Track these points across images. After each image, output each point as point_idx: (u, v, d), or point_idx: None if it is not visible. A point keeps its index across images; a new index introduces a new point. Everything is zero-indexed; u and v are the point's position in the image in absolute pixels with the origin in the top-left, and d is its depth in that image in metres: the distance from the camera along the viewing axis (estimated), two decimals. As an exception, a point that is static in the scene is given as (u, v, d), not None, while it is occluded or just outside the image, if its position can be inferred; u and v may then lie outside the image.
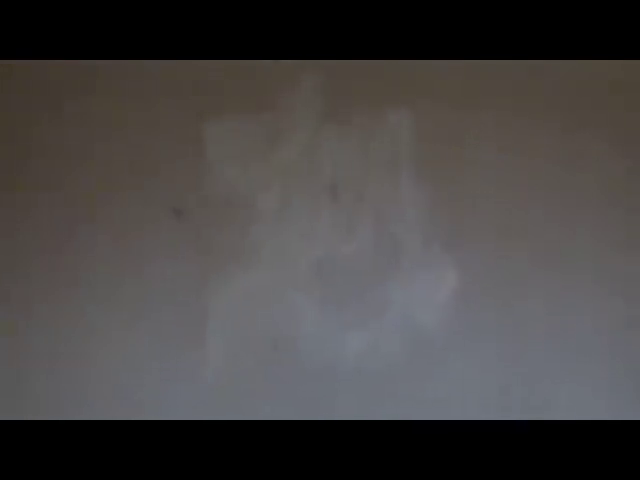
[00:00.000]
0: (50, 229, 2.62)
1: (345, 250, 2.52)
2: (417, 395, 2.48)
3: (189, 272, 2.57)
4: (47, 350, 2.63)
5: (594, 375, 2.42)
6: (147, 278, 2.59)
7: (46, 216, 2.62)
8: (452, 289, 2.48)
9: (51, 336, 2.62)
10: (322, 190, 2.53)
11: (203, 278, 2.56)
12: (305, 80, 2.51)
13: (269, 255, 2.54)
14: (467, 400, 2.47)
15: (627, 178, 2.40)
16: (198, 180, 2.56)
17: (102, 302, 2.60)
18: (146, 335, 2.59)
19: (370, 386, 2.50)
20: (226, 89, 2.54)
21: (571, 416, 2.39)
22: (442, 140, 2.47)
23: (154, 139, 2.57)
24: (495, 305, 2.46)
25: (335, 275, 2.52)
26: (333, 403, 2.51)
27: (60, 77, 2.60)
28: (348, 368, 2.51)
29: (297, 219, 2.54)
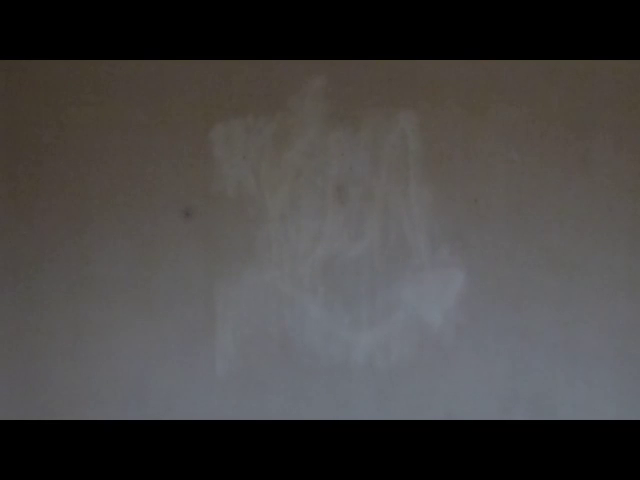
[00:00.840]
0: (60, 229, 2.64)
1: (353, 250, 2.53)
2: (425, 394, 2.49)
3: (198, 271, 2.59)
4: (59, 349, 2.65)
5: (603, 376, 2.42)
6: (157, 277, 2.60)
7: (56, 217, 2.64)
8: (460, 289, 2.48)
9: (62, 335, 2.65)
10: (330, 190, 2.54)
11: (212, 277, 2.58)
12: (313, 82, 2.52)
13: (278, 254, 2.55)
14: (475, 399, 2.48)
15: (634, 180, 2.40)
16: (207, 180, 2.57)
17: (113, 301, 2.63)
18: (157, 333, 2.61)
19: (378, 384, 2.51)
20: (235, 90, 2.55)
21: (579, 416, 2.40)
22: (450, 141, 2.47)
23: (164, 140, 2.59)
24: (503, 305, 2.46)
25: (343, 274, 2.53)
26: (342, 400, 2.53)
27: (70, 78, 2.62)
28: (357, 366, 2.52)
29: (305, 219, 2.55)
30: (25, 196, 2.65)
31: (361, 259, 2.53)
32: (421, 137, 2.49)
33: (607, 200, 2.41)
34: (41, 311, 2.65)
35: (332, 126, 2.52)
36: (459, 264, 2.48)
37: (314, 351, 2.54)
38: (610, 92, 2.40)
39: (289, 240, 2.55)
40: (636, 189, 2.40)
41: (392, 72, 2.48)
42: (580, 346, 2.43)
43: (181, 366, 2.60)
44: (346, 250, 2.53)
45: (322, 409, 2.53)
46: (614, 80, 2.39)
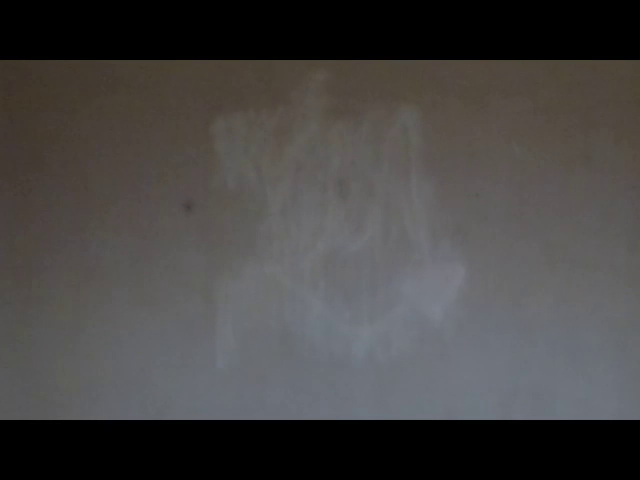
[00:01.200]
0: (60, 223, 2.63)
1: (354, 244, 2.52)
2: (425, 389, 2.50)
3: (199, 265, 2.58)
4: (59, 342, 2.66)
5: (603, 373, 2.42)
6: (158, 271, 2.60)
7: (56, 211, 2.63)
8: (461, 284, 2.48)
9: (62, 329, 2.65)
10: (331, 185, 2.53)
11: (213, 271, 2.58)
12: (315, 76, 2.50)
13: (279, 249, 2.55)
14: (474, 394, 2.48)
15: (636, 176, 2.39)
16: (208, 174, 2.56)
17: (113, 295, 2.63)
18: (158, 326, 2.61)
19: (379, 378, 2.52)
20: (237, 86, 2.53)
21: (579, 411, 2.41)
22: (451, 136, 2.46)
23: (165, 134, 2.58)
24: (503, 300, 2.46)
25: (344, 269, 2.53)
26: (342, 394, 2.54)
27: (74, 76, 2.61)
28: (357, 361, 2.53)
29: (306, 213, 2.54)
30: (26, 191, 2.65)
31: (362, 254, 2.52)
32: (423, 131, 2.48)
33: (608, 195, 2.41)
34: (41, 305, 2.65)
35: (333, 120, 2.51)
36: (460, 259, 2.47)
37: (314, 345, 2.54)
38: (612, 87, 2.39)
39: (290, 234, 2.55)
40: (638, 185, 2.40)
41: (394, 66, 2.46)
42: (581, 341, 2.43)
43: (181, 360, 2.60)
44: (347, 244, 2.53)
45: (322, 403, 2.53)
46: (615, 76, 2.38)
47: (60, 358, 2.65)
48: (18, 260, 2.65)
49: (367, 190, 2.51)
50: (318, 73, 2.49)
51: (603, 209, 2.41)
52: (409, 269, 2.50)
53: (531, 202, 2.44)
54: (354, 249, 2.53)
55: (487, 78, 2.43)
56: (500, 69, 2.41)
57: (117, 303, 2.62)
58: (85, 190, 2.62)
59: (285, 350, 2.55)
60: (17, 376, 2.66)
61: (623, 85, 2.38)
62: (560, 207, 2.42)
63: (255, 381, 2.57)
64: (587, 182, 2.41)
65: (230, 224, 2.56)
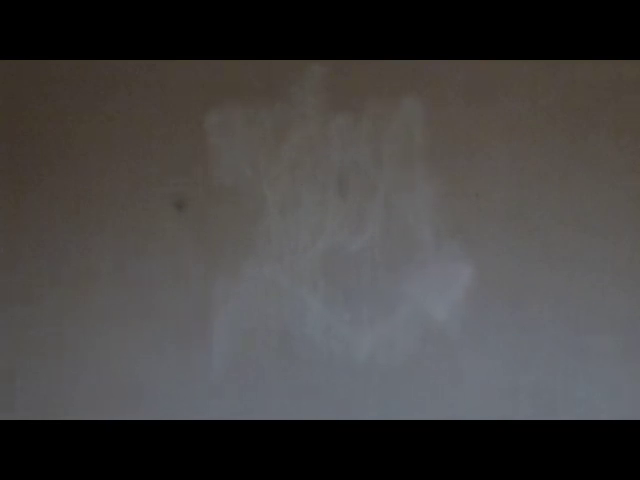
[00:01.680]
0: (55, 223, 2.62)
1: (355, 244, 2.52)
2: (429, 390, 2.49)
3: (197, 265, 2.57)
4: (49, 346, 2.65)
5: (606, 374, 2.42)
6: (156, 270, 2.59)
7: (52, 210, 2.63)
8: (464, 284, 2.47)
9: (53, 332, 2.64)
10: (331, 183, 2.52)
11: (211, 271, 2.57)
12: (315, 72, 2.49)
13: (277, 248, 2.54)
14: (479, 396, 2.47)
15: (637, 175, 2.39)
16: (205, 173, 2.56)
17: (107, 297, 2.61)
18: (153, 328, 2.61)
19: (381, 381, 2.51)
20: (235, 81, 2.53)
21: (582, 416, 2.40)
22: (454, 133, 2.46)
23: (162, 132, 2.57)
24: (508, 300, 2.45)
25: (345, 269, 2.52)
26: (343, 396, 2.53)
27: (72, 76, 2.60)
28: (358, 361, 2.52)
29: (305, 212, 2.53)
30: (23, 190, 2.64)
31: (362, 253, 2.52)
32: (425, 129, 2.47)
33: (608, 195, 2.41)
34: (33, 308, 2.63)
35: (333, 117, 2.50)
36: (464, 258, 2.47)
37: (314, 346, 2.54)
38: (612, 87, 2.38)
39: (289, 233, 2.54)
40: (638, 185, 2.40)
41: (395, 64, 2.45)
42: (586, 341, 2.42)
43: (178, 361, 2.59)
44: (347, 244, 2.52)
45: (322, 404, 2.53)
46: (615, 76, 2.38)
47: (59, 358, 2.64)
48: (17, 260, 2.64)
49: (367, 188, 2.51)
50: (318, 69, 2.48)
51: (603, 209, 2.40)
52: (411, 269, 2.50)
53: (535, 202, 2.42)
54: (354, 248, 2.52)
55: (487, 78, 2.43)
56: (500, 69, 2.41)
57: (116, 303, 2.61)
58: (83, 190, 2.61)
59: (284, 350, 2.55)
60: (17, 376, 2.66)
61: (623, 85, 2.37)
62: (564, 206, 2.41)
63: (254, 381, 2.57)
64: (587, 182, 2.41)
65: (228, 223, 2.56)
